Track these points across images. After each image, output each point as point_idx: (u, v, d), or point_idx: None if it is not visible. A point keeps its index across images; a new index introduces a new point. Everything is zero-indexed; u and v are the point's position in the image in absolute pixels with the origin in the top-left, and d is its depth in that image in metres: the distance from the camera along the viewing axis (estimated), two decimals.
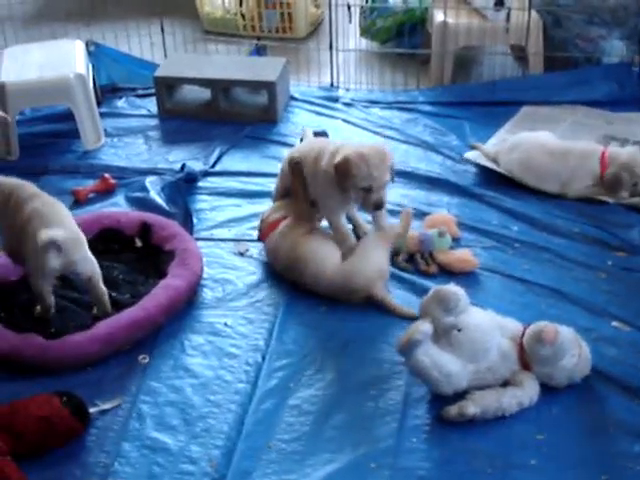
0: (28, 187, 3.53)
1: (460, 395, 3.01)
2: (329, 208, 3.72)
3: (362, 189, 3.49)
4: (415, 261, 3.78)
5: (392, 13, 5.74)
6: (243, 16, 6.40)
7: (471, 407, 2.95)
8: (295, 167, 3.75)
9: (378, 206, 3.54)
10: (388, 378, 3.19)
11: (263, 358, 3.30)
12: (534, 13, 5.30)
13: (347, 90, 5.52)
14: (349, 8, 5.61)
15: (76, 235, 3.39)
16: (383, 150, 3.56)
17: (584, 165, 4.24)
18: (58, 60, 4.97)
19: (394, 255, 3.75)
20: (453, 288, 3.07)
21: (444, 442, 2.93)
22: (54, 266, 3.29)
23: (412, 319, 3.26)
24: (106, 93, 5.44)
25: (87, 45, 5.37)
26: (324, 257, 3.61)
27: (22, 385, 3.20)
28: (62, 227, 3.33)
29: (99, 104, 5.10)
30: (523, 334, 3.08)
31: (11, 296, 3.62)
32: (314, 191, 3.73)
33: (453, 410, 2.97)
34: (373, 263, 3.58)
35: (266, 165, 4.66)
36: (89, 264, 3.40)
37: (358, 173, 3.45)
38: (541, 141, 4.38)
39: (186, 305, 3.59)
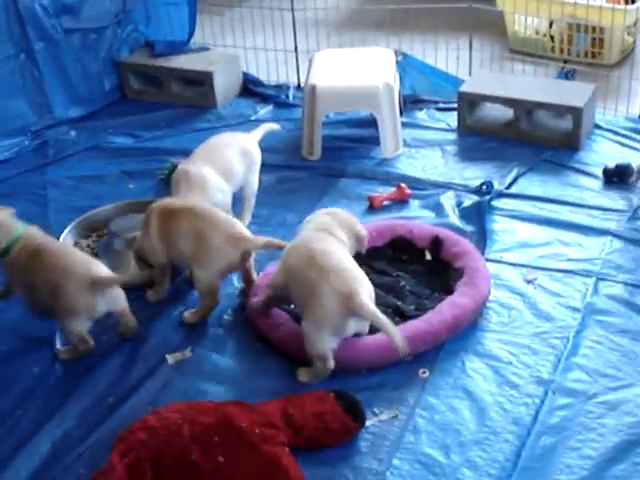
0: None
1: None
2: None
3: None
4: None
5: None
6: (552, 38, 6.26)
7: None
8: None
9: None
10: None
11: (546, 393, 3.20)
12: None
13: None
14: None
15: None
16: None
17: None
18: (368, 67, 5.08)
19: None
20: None
21: None
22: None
23: None
24: (408, 103, 5.51)
25: (395, 54, 5.45)
26: None
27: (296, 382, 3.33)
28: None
29: (401, 114, 5.16)
30: None
31: None
32: None
33: None
34: None
35: (564, 192, 4.51)
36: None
37: None
38: None
39: (470, 325, 3.55)
